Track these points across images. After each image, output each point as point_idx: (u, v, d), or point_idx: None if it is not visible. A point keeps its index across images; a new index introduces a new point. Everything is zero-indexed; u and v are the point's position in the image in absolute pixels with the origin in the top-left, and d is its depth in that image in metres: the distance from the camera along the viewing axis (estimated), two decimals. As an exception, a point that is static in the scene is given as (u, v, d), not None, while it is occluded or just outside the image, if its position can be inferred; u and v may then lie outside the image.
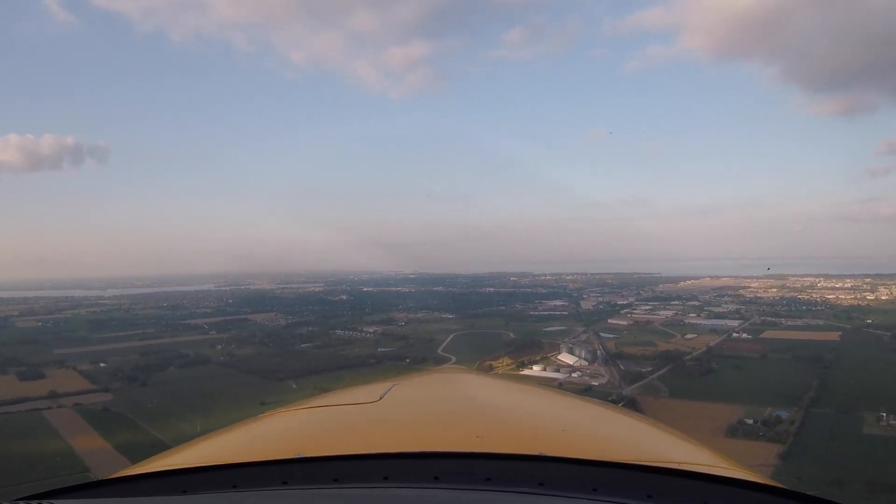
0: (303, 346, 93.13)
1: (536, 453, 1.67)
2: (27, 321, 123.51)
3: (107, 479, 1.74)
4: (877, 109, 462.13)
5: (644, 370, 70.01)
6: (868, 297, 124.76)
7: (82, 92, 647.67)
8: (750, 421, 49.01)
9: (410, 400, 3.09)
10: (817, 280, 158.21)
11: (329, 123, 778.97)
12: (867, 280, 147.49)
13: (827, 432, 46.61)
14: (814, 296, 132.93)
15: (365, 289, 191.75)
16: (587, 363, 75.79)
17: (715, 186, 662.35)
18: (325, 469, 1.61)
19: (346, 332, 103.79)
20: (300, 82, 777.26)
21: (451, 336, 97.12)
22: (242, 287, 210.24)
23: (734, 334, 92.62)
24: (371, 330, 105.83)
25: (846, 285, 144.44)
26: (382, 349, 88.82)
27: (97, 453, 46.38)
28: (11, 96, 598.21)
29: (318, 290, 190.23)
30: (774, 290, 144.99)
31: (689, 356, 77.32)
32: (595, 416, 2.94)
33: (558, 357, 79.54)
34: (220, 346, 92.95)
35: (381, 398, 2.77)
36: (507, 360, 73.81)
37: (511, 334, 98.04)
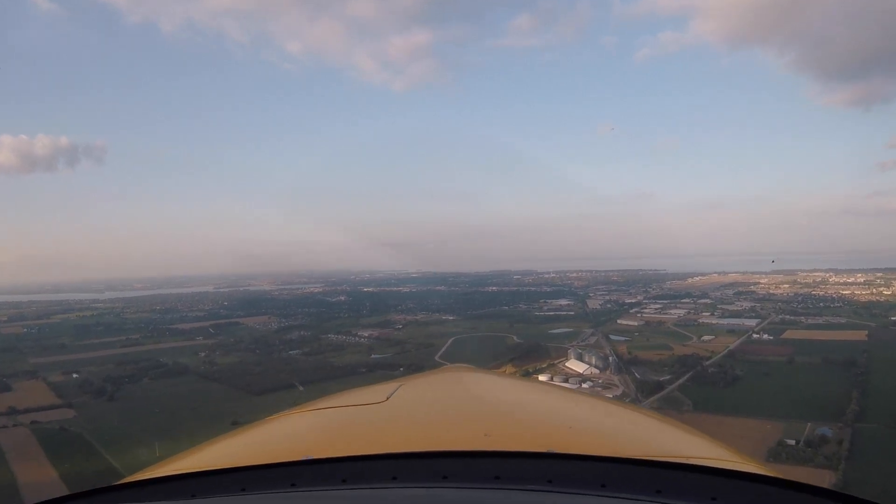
0: (291, 352, 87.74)
1: (545, 451, 1.69)
2: (12, 327, 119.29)
3: (115, 485, 1.74)
4: (892, 99, 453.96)
5: (662, 379, 64.03)
6: (885, 293, 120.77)
7: (73, 89, 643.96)
8: (792, 441, 42.97)
9: (417, 400, 3.07)
10: (828, 275, 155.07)
11: (329, 118, 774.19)
12: (878, 275, 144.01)
13: (881, 454, 40.57)
14: (828, 291, 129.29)
15: (365, 289, 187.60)
16: (598, 371, 69.83)
17: (721, 180, 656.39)
18: (333, 470, 1.61)
19: (340, 337, 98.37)
20: (298, 74, 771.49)
21: (451, 340, 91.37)
22: (241, 288, 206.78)
23: (754, 335, 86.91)
24: (366, 334, 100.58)
25: (859, 280, 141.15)
26: (376, 356, 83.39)
27: (40, 486, 40.68)
28: (1, 95, 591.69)
29: (317, 290, 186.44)
30: (786, 286, 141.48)
31: (710, 361, 71.51)
32: (602, 412, 2.96)
33: (566, 364, 73.77)
34: (203, 354, 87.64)
35: (387, 398, 2.77)
36: (510, 368, 67.65)
37: (515, 337, 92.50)
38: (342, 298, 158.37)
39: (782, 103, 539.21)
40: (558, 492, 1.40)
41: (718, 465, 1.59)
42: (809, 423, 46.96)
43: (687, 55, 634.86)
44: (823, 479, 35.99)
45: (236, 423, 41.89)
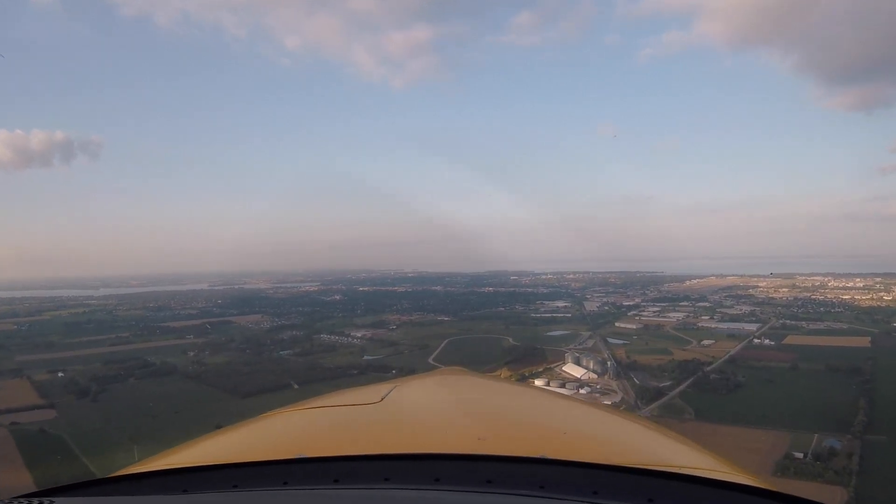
0: (282, 353, 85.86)
1: (538, 456, 1.69)
2: (3, 324, 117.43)
3: (107, 478, 1.76)
4: (894, 103, 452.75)
5: (662, 385, 62.36)
6: (885, 298, 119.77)
7: (68, 83, 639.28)
8: (800, 454, 41.12)
9: (412, 401, 3.06)
10: (826, 279, 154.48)
11: (327, 115, 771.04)
12: (877, 279, 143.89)
13: (895, 468, 38.52)
14: (828, 296, 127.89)
15: (360, 288, 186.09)
16: (596, 376, 68.10)
17: (721, 182, 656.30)
18: (325, 469, 1.62)
19: (333, 337, 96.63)
20: (295, 70, 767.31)
21: (446, 342, 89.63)
22: (236, 287, 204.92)
23: (755, 340, 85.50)
24: (359, 334, 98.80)
25: (858, 285, 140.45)
26: (368, 357, 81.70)
27: (13, 490, 38.52)
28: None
29: (312, 289, 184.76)
30: (785, 289, 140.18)
31: (711, 366, 69.80)
32: (596, 419, 2.98)
33: (563, 368, 72.14)
34: (192, 353, 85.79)
35: (382, 399, 2.78)
36: (505, 372, 65.94)
37: (511, 340, 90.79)
38: (337, 297, 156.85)
39: (784, 106, 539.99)
40: (550, 497, 1.39)
41: (711, 476, 1.57)
42: (817, 435, 45.20)
43: (690, 56, 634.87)
44: (835, 495, 34.14)
45: (220, 426, 40.14)
